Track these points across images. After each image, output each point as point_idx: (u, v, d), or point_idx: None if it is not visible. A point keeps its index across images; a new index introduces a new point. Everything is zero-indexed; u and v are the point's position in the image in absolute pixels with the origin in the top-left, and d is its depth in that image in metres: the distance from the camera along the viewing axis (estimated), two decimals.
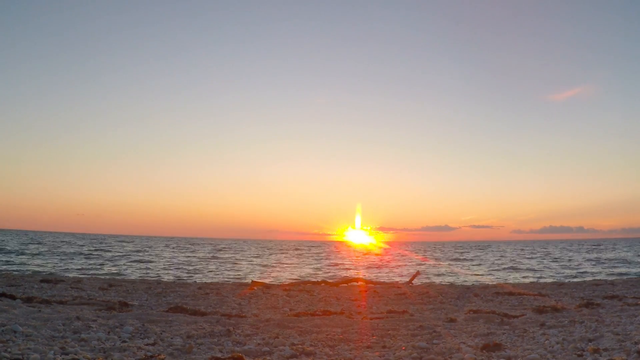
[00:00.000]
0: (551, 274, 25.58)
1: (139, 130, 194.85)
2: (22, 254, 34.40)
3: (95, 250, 43.68)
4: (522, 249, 60.62)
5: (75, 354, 4.69)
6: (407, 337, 6.28)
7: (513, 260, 39.05)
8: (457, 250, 65.00)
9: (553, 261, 36.37)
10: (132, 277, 20.73)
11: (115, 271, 24.06)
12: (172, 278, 21.03)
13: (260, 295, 12.58)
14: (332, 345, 5.81)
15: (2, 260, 27.79)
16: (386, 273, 26.95)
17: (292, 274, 25.97)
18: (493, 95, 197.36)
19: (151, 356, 4.87)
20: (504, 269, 29.92)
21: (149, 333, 6.08)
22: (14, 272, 20.06)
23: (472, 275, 25.76)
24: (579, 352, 5.02)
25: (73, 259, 31.73)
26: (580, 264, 32.71)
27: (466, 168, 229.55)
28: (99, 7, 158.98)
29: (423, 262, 37.81)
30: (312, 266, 32.48)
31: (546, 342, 5.67)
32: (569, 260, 37.51)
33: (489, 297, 12.28)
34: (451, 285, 18.26)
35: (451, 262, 37.53)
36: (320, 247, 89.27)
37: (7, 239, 62.69)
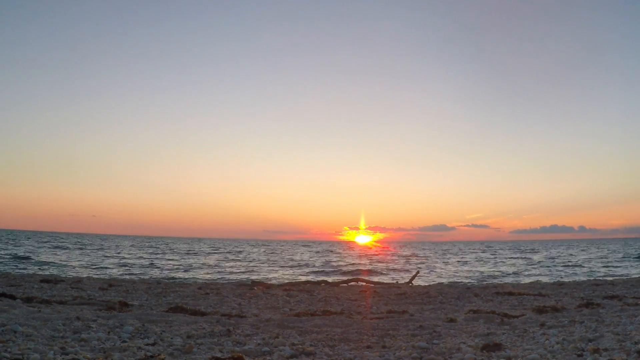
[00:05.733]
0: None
1: (142, 131, 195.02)
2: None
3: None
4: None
5: (75, 354, 4.69)
6: (407, 337, 6.28)
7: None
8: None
9: None
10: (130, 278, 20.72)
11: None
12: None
13: (261, 295, 12.58)
14: (332, 345, 5.81)
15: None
16: (386, 273, 26.94)
17: (293, 273, 25.96)
18: (493, 94, 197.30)
19: (151, 356, 4.86)
20: None
21: (149, 333, 6.08)
22: (14, 272, 20.05)
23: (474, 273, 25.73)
24: (579, 352, 5.02)
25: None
26: None
27: (465, 167, 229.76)
28: (98, 9, 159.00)
29: (423, 262, 37.79)
30: (312, 266, 32.47)
31: (546, 342, 5.66)
32: None
33: (489, 297, 12.28)
34: (451, 285, 18.24)
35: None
36: (321, 246, 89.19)
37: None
